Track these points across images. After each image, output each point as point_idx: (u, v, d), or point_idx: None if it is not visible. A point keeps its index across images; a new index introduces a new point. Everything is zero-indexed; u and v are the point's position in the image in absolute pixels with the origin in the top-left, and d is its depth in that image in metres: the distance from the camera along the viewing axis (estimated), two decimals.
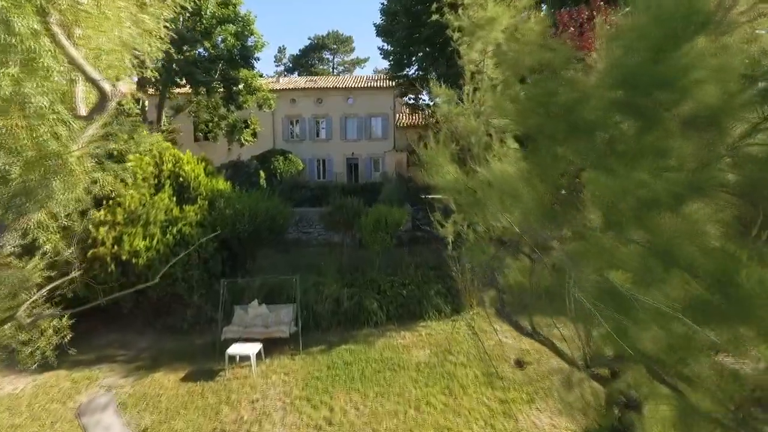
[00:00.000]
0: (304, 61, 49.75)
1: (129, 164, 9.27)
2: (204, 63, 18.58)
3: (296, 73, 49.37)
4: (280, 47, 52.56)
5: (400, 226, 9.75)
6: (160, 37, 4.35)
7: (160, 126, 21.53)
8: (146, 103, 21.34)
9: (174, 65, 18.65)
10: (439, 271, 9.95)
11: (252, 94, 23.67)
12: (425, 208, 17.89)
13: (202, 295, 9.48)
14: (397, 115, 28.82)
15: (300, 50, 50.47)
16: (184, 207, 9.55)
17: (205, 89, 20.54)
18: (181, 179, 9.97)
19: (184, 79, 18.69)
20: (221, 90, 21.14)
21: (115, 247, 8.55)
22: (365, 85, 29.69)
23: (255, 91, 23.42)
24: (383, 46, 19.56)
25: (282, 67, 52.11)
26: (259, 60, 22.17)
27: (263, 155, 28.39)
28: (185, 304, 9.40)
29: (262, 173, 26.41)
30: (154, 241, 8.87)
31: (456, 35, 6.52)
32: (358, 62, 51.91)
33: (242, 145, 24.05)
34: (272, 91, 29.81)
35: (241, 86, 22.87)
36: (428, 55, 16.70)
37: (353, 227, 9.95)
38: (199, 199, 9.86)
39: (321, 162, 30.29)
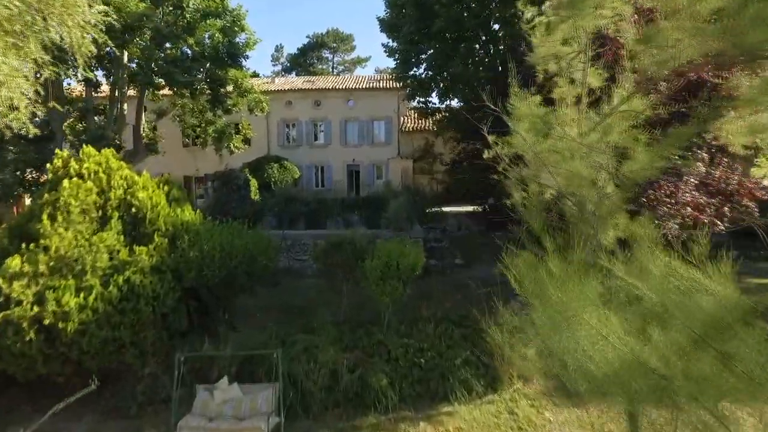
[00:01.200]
0: (303, 61, 47.56)
1: (63, 192, 7.09)
2: (185, 62, 16.36)
3: (294, 72, 47.19)
4: (277, 46, 50.52)
5: (415, 271, 7.54)
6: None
7: (140, 132, 19.35)
8: (125, 106, 19.17)
9: (153, 65, 16.46)
10: (466, 328, 7.75)
11: (242, 97, 21.48)
12: (436, 227, 15.64)
13: (160, 363, 7.28)
14: (402, 119, 26.61)
15: (298, 49, 48.33)
16: (135, 248, 7.34)
17: (188, 92, 18.36)
18: (134, 210, 7.77)
19: (162, 80, 16.47)
20: (208, 92, 18.95)
21: (36, 307, 6.35)
22: (367, 86, 27.48)
23: (246, 92, 21.22)
24: (388, 42, 17.38)
25: (279, 67, 49.96)
26: (248, 58, 19.86)
27: (256, 162, 26.19)
28: (137, 376, 7.21)
29: (254, 183, 24.22)
30: (92, 297, 6.67)
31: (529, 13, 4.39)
32: (359, 61, 49.74)
33: (232, 152, 21.84)
34: (267, 92, 27.61)
35: (230, 87, 20.70)
36: (440, 53, 14.50)
37: (355, 270, 7.73)
38: (156, 236, 7.65)
39: (319, 169, 28.09)
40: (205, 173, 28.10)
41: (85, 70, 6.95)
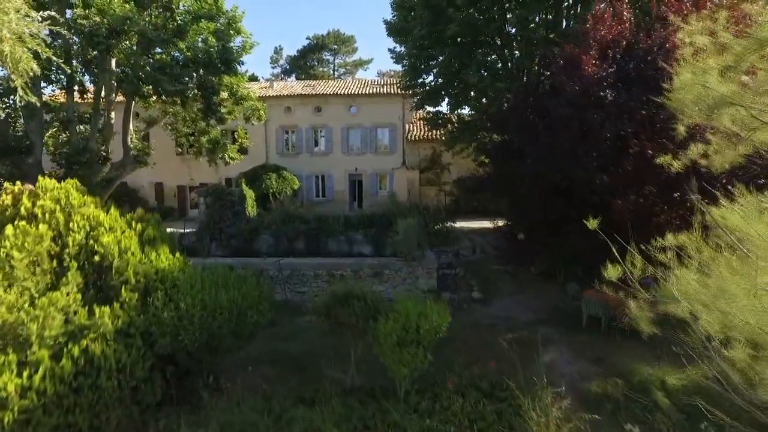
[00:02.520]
0: (303, 63, 46.22)
1: (4, 242, 5.75)
2: (174, 68, 15.00)
3: (293, 75, 45.85)
4: (276, 47, 49.13)
5: (439, 334, 6.20)
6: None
7: (128, 142, 17.99)
8: (113, 115, 17.82)
9: (139, 72, 15.09)
10: (501, 402, 6.41)
11: (238, 104, 20.12)
12: (447, 250, 14.30)
13: None
14: (407, 126, 25.28)
15: (298, 51, 46.97)
16: (96, 308, 5.99)
17: (179, 100, 16.99)
18: (97, 258, 6.42)
19: (150, 88, 15.09)
20: (200, 100, 17.58)
21: None
22: (370, 92, 26.13)
23: (242, 100, 19.84)
24: (395, 47, 16.03)
25: (279, 69, 48.60)
26: (243, 64, 18.50)
27: (253, 172, 24.87)
28: None
29: (250, 194, 22.84)
30: (38, 376, 5.33)
31: None
32: (361, 64, 48.38)
33: (227, 163, 20.47)
34: (265, 98, 26.27)
35: (224, 94, 19.34)
36: (454, 59, 13.16)
37: (366, 334, 6.38)
38: (124, 291, 6.30)
39: (320, 178, 26.77)
40: (199, 182, 26.80)
41: (26, 92, 5.57)
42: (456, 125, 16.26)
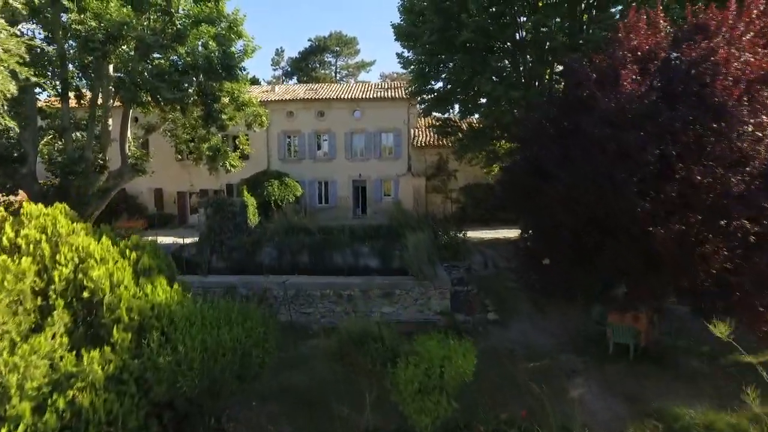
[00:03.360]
0: (304, 65, 45.62)
1: None
2: (172, 75, 14.39)
3: (295, 78, 45.27)
4: (278, 49, 48.50)
5: (465, 379, 5.59)
6: None
7: (125, 150, 17.39)
8: (110, 122, 17.22)
9: (138, 79, 14.48)
10: None
11: (240, 110, 19.53)
12: (458, 264, 13.66)
13: None
14: (412, 131, 24.67)
15: (300, 53, 46.38)
16: (84, 353, 5.39)
17: (179, 107, 16.40)
18: (86, 294, 5.81)
19: (149, 95, 14.47)
20: (200, 107, 16.98)
21: None
22: (374, 95, 25.53)
23: (243, 106, 19.25)
24: (402, 52, 15.42)
25: (280, 71, 47.98)
26: (245, 70, 17.85)
27: (255, 178, 24.29)
28: None
29: (252, 202, 22.25)
30: None
31: None
32: (364, 66, 47.80)
33: (228, 171, 19.86)
34: (267, 102, 25.67)
35: (225, 100, 18.75)
36: (466, 66, 12.56)
37: (384, 379, 5.77)
38: (116, 330, 5.70)
39: (323, 185, 26.17)
40: (200, 189, 26.22)
41: (2, 116, 4.97)
42: (466, 133, 15.64)
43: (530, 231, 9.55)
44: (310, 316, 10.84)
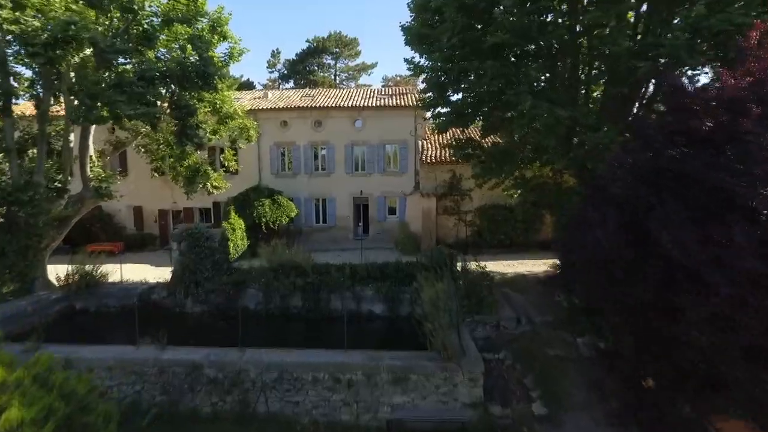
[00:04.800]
0: (302, 68, 43.02)
1: None
2: (134, 86, 11.79)
3: (292, 81, 42.66)
4: (273, 51, 45.81)
5: None
6: None
7: (86, 172, 14.79)
8: (71, 138, 14.66)
9: (91, 91, 11.87)
10: None
11: (224, 123, 16.95)
12: (484, 320, 10.98)
13: None
14: (420, 143, 22.06)
15: (297, 54, 43.73)
16: None
17: (148, 123, 13.83)
18: None
19: (105, 110, 11.85)
20: (174, 122, 14.40)
21: None
22: (378, 103, 22.91)
23: (227, 119, 16.68)
24: (413, 57, 12.81)
25: (276, 74, 45.40)
26: (228, 77, 15.11)
27: (244, 196, 21.67)
28: None
29: (239, 225, 19.67)
30: None
31: None
32: (365, 68, 45.17)
33: (210, 192, 17.28)
34: (257, 111, 23.09)
35: (205, 111, 16.17)
36: (495, 75, 9.98)
37: None
38: None
39: (320, 202, 23.57)
40: (183, 206, 23.62)
41: None
42: (490, 153, 13.02)
43: (615, 335, 6.79)
44: (298, 407, 8.25)
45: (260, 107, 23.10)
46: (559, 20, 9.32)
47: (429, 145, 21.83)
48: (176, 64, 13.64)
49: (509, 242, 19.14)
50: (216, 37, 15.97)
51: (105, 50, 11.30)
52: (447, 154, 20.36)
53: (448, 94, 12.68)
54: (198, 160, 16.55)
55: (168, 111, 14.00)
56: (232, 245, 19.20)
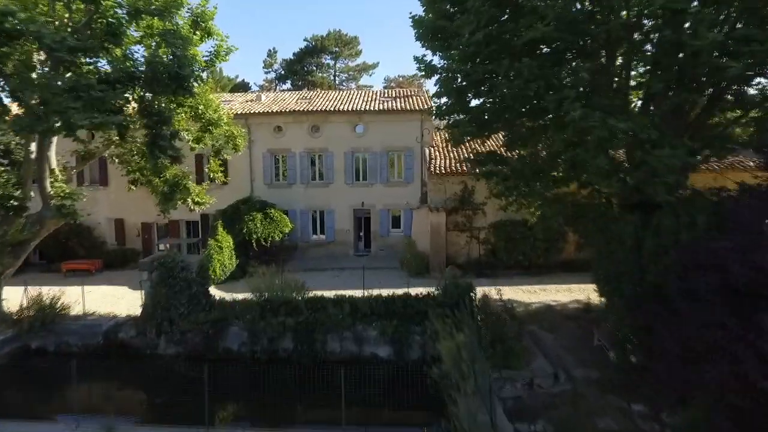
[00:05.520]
0: (299, 68, 41.03)
1: None
2: (91, 90, 9.80)
3: (289, 82, 40.67)
4: (270, 50, 43.77)
5: None
6: None
7: (45, 189, 12.79)
8: (32, 147, 12.70)
9: (37, 96, 9.88)
10: None
11: (207, 132, 14.98)
12: (515, 376, 8.91)
13: None
14: (428, 150, 20.06)
15: (294, 54, 41.69)
16: None
17: (116, 134, 11.84)
18: None
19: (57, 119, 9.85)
20: (145, 134, 12.40)
21: None
22: (381, 107, 20.93)
23: (210, 126, 14.72)
24: (424, 55, 10.79)
25: (273, 74, 43.35)
26: (202, 81, 13.00)
27: (234, 209, 19.69)
28: None
29: (227, 241, 17.67)
30: None
31: None
32: (366, 68, 43.14)
33: (191, 209, 15.30)
34: (249, 115, 21.14)
35: (183, 117, 14.24)
36: (532, 77, 7.98)
37: None
38: None
39: (318, 215, 21.60)
40: (168, 219, 21.60)
41: None
42: (515, 168, 10.97)
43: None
44: None
45: (252, 111, 21.11)
46: (615, 5, 7.30)
47: (437, 153, 19.82)
48: (148, 64, 11.69)
49: (527, 263, 17.14)
50: (198, 33, 14.04)
51: (53, 47, 9.30)
52: (458, 164, 18.36)
53: (467, 99, 10.67)
54: (178, 173, 14.52)
55: (137, 119, 12.01)
56: (219, 265, 17.29)
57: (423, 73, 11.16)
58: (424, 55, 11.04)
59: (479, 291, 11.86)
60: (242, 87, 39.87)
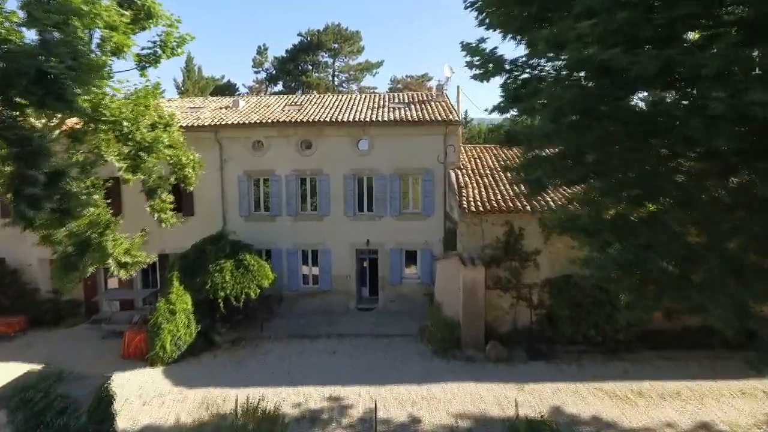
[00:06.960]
0: (293, 67, 36.11)
1: None
2: None
3: (281, 84, 35.79)
4: (260, 47, 38.80)
5: None
6: None
7: None
8: None
9: None
10: None
11: (150, 152, 10.14)
12: None
13: None
14: (454, 173, 15.15)
15: (287, 51, 36.74)
16: None
17: None
18: None
19: None
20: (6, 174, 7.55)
21: None
22: (391, 116, 16.05)
23: (143, 151, 9.91)
24: (479, 43, 5.95)
25: (263, 74, 38.41)
26: (104, 83, 7.86)
27: (197, 253, 14.75)
28: None
29: (182, 307, 12.79)
30: None
31: None
32: (369, 67, 38.19)
33: (111, 275, 10.42)
34: (222, 127, 16.31)
35: (108, 138, 9.48)
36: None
37: None
38: None
39: (310, 255, 16.70)
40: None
41: None
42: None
43: None
44: None
45: (224, 122, 16.23)
46: None
47: (468, 179, 14.89)
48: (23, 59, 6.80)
49: (601, 339, 12.25)
50: (129, 13, 9.24)
51: None
52: (499, 196, 13.51)
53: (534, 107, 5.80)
54: (95, 219, 9.58)
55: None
56: (169, 339, 12.44)
57: (480, 69, 6.29)
58: (478, 43, 6.23)
59: (544, 401, 6.98)
60: (227, 89, 34.99)
